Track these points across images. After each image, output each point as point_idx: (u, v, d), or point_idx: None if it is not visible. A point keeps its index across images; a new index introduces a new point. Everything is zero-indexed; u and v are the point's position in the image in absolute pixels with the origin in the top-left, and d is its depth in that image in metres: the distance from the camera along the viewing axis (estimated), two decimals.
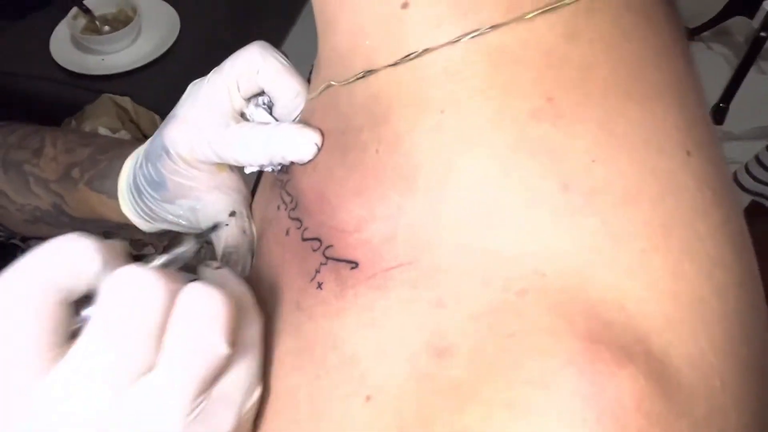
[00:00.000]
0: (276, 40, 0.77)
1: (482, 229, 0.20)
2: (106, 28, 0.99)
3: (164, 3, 1.03)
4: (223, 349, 0.20)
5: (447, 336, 0.19)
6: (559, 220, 0.19)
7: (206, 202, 0.32)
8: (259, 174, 0.33)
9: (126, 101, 0.93)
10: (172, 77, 0.94)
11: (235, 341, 0.21)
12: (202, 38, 0.99)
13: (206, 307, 0.20)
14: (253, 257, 0.31)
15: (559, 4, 0.19)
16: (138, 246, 0.93)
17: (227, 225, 0.31)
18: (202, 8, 1.01)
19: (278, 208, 0.28)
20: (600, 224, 0.19)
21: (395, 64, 0.21)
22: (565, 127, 0.19)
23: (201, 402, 0.20)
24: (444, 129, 0.20)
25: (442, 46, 0.20)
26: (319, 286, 0.23)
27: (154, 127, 0.98)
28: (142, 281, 0.20)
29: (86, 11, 0.99)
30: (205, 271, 0.25)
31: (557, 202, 0.19)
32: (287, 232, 0.26)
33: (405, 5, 0.20)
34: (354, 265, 0.22)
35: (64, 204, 0.40)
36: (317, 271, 0.23)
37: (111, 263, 0.21)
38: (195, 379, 0.20)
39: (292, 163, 0.28)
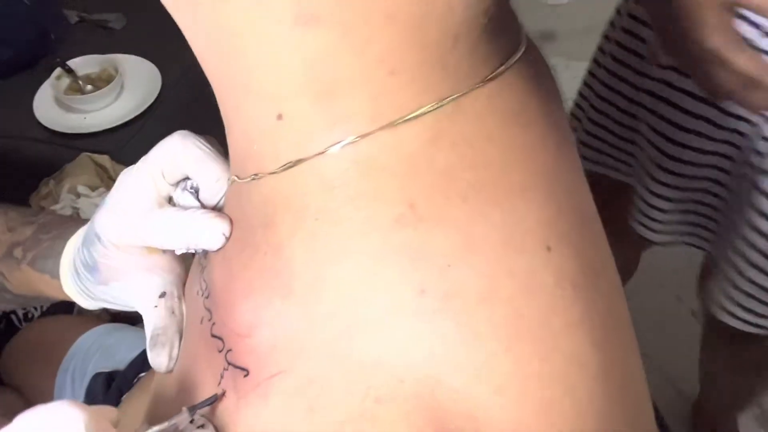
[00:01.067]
0: None
1: (349, 337, 0.20)
2: (89, 87, 1.01)
3: (146, 61, 1.05)
4: None
5: None
6: (417, 325, 0.19)
7: (136, 284, 0.32)
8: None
9: (105, 159, 0.94)
10: (153, 133, 0.95)
11: None
12: (184, 94, 1.01)
13: None
14: (180, 339, 0.31)
15: (422, 110, 0.19)
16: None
17: (156, 307, 0.32)
18: (184, 65, 1.03)
19: (197, 293, 0.28)
20: (453, 328, 0.19)
21: (275, 172, 0.21)
22: (424, 231, 0.20)
23: None
24: (317, 237, 0.21)
25: (314, 156, 0.20)
26: (224, 393, 0.24)
27: None
28: None
29: (69, 71, 1.02)
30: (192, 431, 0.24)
31: (415, 306, 0.19)
32: (201, 321, 0.27)
33: (279, 116, 0.20)
34: (246, 372, 0.22)
35: (6, 281, 0.41)
36: (221, 377, 0.24)
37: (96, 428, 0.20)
38: None
39: (207, 253, 0.28)
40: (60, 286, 0.38)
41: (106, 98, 0.99)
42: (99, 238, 0.32)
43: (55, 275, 0.38)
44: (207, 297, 0.27)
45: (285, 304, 0.22)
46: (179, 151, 0.29)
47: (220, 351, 0.24)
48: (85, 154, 0.93)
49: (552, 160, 0.22)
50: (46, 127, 0.98)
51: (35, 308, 1.09)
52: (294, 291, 0.21)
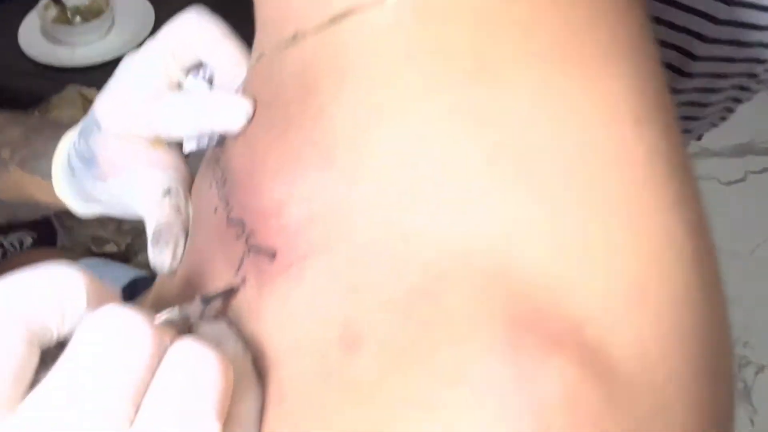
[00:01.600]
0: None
1: (401, 208, 0.18)
2: (78, 19, 0.97)
3: None
4: (212, 426, 0.17)
5: (357, 326, 0.17)
6: (486, 194, 0.17)
7: (139, 179, 0.30)
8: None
9: (93, 93, 0.90)
10: None
11: (227, 416, 0.17)
12: None
13: (199, 371, 0.17)
14: (186, 238, 0.29)
15: None
16: (99, 243, 0.90)
17: (160, 203, 0.29)
18: (178, 1, 0.99)
19: (210, 185, 0.26)
20: (530, 196, 0.17)
21: (321, 29, 0.19)
22: (497, 90, 0.18)
23: None
24: (365, 98, 0.19)
25: (367, 6, 0.18)
26: (244, 281, 0.21)
27: None
28: (129, 324, 0.17)
29: (57, 1, 0.97)
30: (200, 324, 0.22)
31: (484, 174, 0.17)
32: (215, 211, 0.25)
33: None
34: (272, 255, 0.20)
35: None
36: (241, 264, 0.22)
37: (97, 304, 0.17)
38: None
39: (223, 140, 0.26)
40: (52, 189, 0.35)
41: (96, 32, 0.95)
42: (99, 127, 0.30)
43: (47, 176, 0.35)
44: (223, 186, 0.25)
45: (324, 175, 0.19)
46: (194, 30, 0.27)
47: (239, 237, 0.22)
48: (72, 86, 0.89)
49: (637, 29, 0.20)
50: (31, 59, 0.94)
51: (14, 246, 1.06)
52: (335, 159, 0.19)
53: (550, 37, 0.18)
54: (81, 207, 0.35)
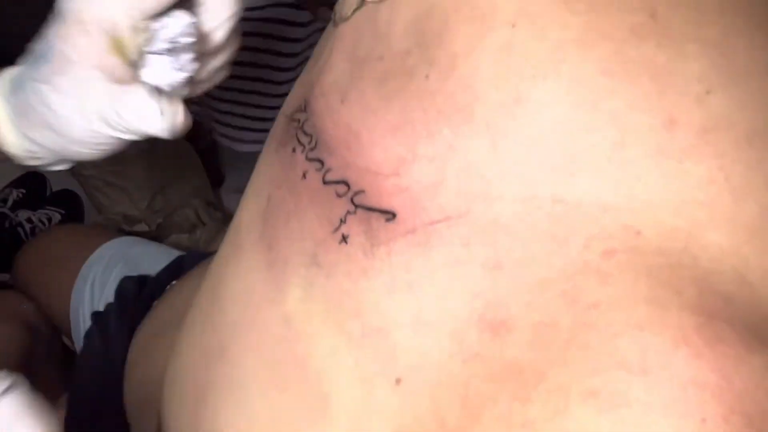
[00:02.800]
0: None
1: (557, 174, 0.16)
2: None
3: None
4: None
5: (505, 307, 0.16)
6: (661, 164, 0.15)
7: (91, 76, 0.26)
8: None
9: None
10: None
11: None
12: None
13: None
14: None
15: None
16: (130, 222, 0.90)
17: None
18: None
19: (293, 150, 0.24)
20: (715, 171, 0.15)
21: None
22: (672, 47, 0.16)
23: None
24: (514, 49, 0.17)
25: None
26: (344, 239, 0.19)
27: None
28: None
29: None
30: None
31: (660, 141, 0.15)
32: (304, 176, 0.23)
33: None
34: (390, 216, 0.18)
35: None
36: (342, 221, 0.20)
37: None
38: None
39: (308, 102, 0.25)
40: None
41: None
42: (63, 16, 0.25)
43: None
44: (313, 148, 0.23)
45: (460, 132, 0.17)
46: None
47: (341, 195, 0.20)
48: None
49: None
50: None
51: (42, 222, 1.06)
52: (475, 115, 0.17)
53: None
54: (14, 135, 0.28)
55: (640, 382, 0.13)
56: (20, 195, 1.10)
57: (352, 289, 0.19)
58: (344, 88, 0.22)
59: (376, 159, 0.19)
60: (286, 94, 0.31)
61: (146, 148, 0.84)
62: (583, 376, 0.14)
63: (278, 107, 0.29)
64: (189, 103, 0.28)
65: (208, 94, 0.66)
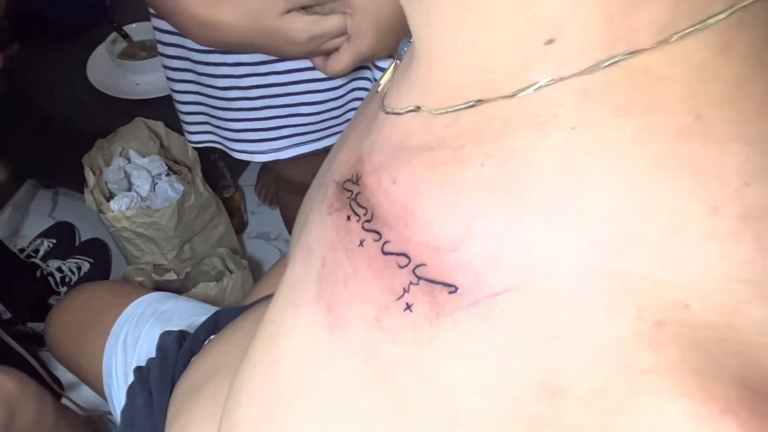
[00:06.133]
0: None
1: (612, 251, 0.18)
2: (143, 53, 1.00)
3: None
4: None
5: (561, 373, 0.17)
6: (707, 246, 0.17)
7: None
8: None
9: (159, 126, 0.93)
10: None
11: None
12: None
13: None
14: None
15: (711, 17, 0.17)
16: (160, 271, 0.92)
17: None
18: None
19: (348, 218, 0.25)
20: (754, 253, 0.17)
21: (513, 95, 0.19)
22: (715, 145, 0.17)
23: None
24: (573, 146, 0.19)
25: (576, 74, 0.18)
26: (408, 307, 0.21)
27: (185, 151, 0.98)
28: None
29: (125, 36, 1.01)
30: None
31: (704, 226, 0.17)
32: (361, 243, 0.24)
33: (550, 41, 0.18)
34: (453, 288, 0.20)
35: None
36: (405, 291, 0.21)
37: None
38: None
39: (359, 177, 0.26)
40: None
41: (159, 65, 0.98)
42: None
43: None
44: (369, 220, 0.24)
45: (517, 214, 0.19)
46: None
47: (403, 267, 0.22)
48: (139, 119, 0.92)
49: None
50: (98, 91, 0.97)
51: (72, 271, 1.08)
52: (532, 201, 0.19)
53: (762, 95, 0.18)
54: None
55: None
56: (51, 245, 1.13)
57: (419, 355, 0.20)
58: (394, 170, 0.23)
59: (435, 235, 0.21)
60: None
61: (178, 200, 0.86)
62: None
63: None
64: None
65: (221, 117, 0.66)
